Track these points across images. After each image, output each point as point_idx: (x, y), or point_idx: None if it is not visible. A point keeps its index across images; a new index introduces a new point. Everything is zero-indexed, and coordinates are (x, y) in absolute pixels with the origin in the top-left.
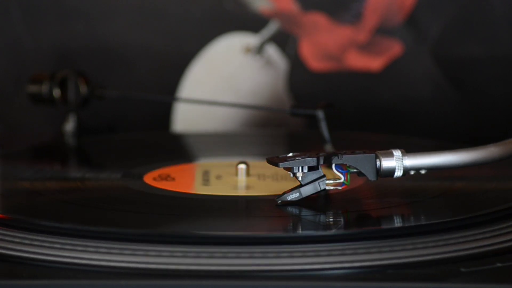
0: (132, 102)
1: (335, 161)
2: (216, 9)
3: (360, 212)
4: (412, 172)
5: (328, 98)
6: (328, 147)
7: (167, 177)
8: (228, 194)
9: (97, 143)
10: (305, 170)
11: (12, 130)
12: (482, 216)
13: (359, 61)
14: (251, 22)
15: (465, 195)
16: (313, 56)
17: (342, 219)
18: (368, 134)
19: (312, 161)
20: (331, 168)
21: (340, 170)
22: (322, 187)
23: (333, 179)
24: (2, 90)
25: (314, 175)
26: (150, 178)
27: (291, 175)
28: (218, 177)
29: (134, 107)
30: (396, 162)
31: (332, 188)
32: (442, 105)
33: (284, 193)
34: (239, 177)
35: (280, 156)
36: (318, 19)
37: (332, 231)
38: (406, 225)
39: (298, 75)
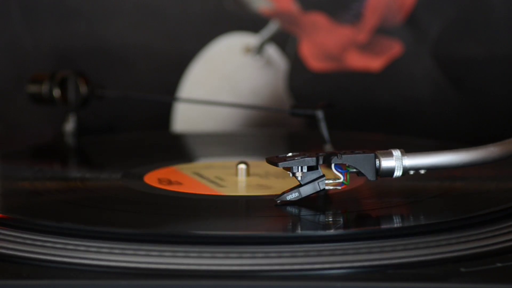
0: (132, 102)
1: (334, 161)
2: (216, 9)
3: (360, 212)
4: (411, 172)
5: (328, 98)
6: (328, 147)
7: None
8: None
9: (97, 143)
10: (305, 170)
11: (12, 130)
12: (482, 216)
13: (359, 61)
14: (251, 22)
15: (465, 195)
16: (313, 56)
17: (341, 219)
18: (368, 134)
19: (311, 161)
20: (331, 168)
21: (339, 170)
22: (322, 187)
23: (333, 179)
24: (2, 90)
25: (313, 175)
26: (155, 179)
27: (291, 175)
28: (223, 178)
29: (134, 107)
30: (396, 162)
31: (331, 188)
32: (442, 105)
33: (283, 193)
34: (239, 177)
35: (280, 156)
36: (318, 19)
37: (332, 231)
38: (406, 225)
39: (298, 75)
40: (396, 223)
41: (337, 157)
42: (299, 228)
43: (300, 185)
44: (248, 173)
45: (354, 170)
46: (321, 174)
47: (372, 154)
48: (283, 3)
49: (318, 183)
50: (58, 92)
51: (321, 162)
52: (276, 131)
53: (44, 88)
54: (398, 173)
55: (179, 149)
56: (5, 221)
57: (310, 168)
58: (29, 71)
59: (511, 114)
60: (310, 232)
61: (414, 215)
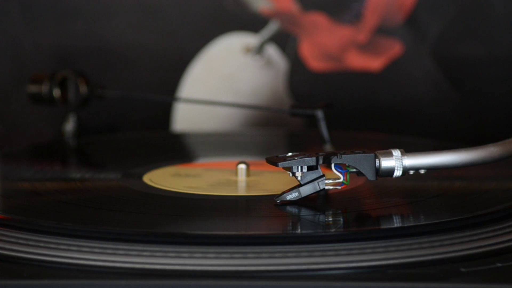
0: (132, 102)
1: (334, 160)
2: (216, 9)
3: (360, 212)
4: (411, 172)
5: (328, 98)
6: (328, 147)
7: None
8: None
9: (97, 143)
10: (305, 170)
11: (12, 130)
12: (482, 216)
13: (359, 61)
14: (251, 22)
15: (465, 195)
16: (313, 56)
17: (341, 219)
18: (368, 134)
19: (311, 160)
20: (331, 168)
21: (339, 170)
22: (322, 187)
23: (333, 179)
24: (2, 90)
25: (313, 174)
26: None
27: (290, 174)
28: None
29: (134, 107)
30: (396, 162)
31: (331, 187)
32: (442, 105)
33: (283, 192)
34: (239, 177)
35: (280, 155)
36: (318, 19)
37: (332, 231)
38: (406, 225)
39: (298, 75)
40: (396, 223)
41: (337, 157)
42: (299, 228)
43: (300, 185)
44: (248, 173)
45: (354, 170)
46: (321, 174)
47: (372, 154)
48: (283, 3)
49: (318, 183)
50: (58, 92)
51: (321, 162)
52: (276, 131)
53: (44, 88)
54: (398, 173)
55: (179, 149)
56: (5, 221)
57: (310, 168)
58: (29, 71)
59: (511, 114)
60: (310, 232)
61: (414, 215)
